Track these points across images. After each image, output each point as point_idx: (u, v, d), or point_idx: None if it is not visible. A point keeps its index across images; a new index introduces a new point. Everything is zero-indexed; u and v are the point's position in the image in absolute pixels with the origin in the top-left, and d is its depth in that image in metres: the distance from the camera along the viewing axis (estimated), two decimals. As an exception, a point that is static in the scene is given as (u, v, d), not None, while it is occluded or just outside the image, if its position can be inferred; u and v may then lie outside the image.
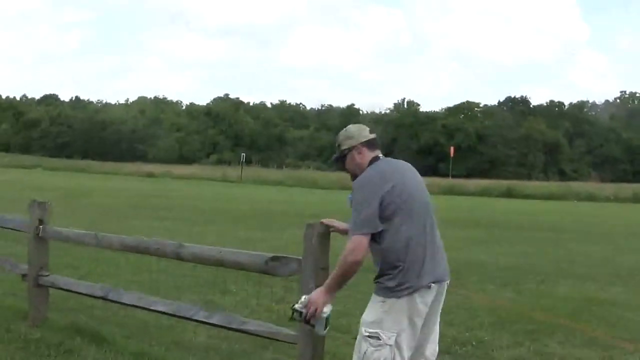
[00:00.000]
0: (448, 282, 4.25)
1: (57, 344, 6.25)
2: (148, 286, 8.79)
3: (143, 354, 5.99)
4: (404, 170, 4.28)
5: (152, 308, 6.09)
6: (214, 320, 5.45)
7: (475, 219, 24.89)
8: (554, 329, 7.59)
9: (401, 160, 4.40)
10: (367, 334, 4.04)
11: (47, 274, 7.09)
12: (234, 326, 5.27)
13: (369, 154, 4.32)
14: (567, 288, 10.45)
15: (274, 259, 4.90)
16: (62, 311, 7.51)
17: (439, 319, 4.30)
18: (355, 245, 3.99)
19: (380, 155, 4.33)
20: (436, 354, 4.34)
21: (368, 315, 4.10)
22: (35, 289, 7.05)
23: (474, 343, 6.93)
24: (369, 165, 4.26)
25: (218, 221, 19.78)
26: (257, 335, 5.18)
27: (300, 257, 4.68)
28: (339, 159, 4.42)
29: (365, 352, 4.04)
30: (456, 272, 11.47)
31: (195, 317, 5.60)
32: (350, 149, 4.35)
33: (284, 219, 21.13)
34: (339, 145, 4.41)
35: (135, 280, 9.01)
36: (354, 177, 4.31)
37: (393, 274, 4.03)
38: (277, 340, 5.03)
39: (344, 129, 4.47)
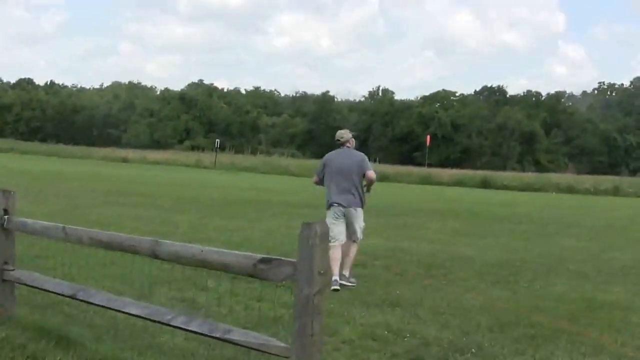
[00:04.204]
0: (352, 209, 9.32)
1: (22, 346, 5.64)
2: (121, 280, 8.23)
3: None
4: (337, 156, 9.55)
5: (124, 310, 5.46)
6: (194, 327, 4.80)
7: (455, 209, 24.46)
8: (557, 334, 7.05)
9: (343, 150, 9.59)
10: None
11: (12, 268, 6.44)
12: (216, 335, 4.62)
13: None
14: (562, 287, 9.92)
15: (263, 261, 4.27)
16: (30, 306, 6.97)
17: (355, 223, 9.35)
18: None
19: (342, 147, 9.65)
20: (356, 236, 9.45)
21: None
22: (0, 284, 6.44)
23: (473, 350, 6.36)
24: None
25: (192, 209, 19.18)
26: (243, 346, 4.55)
27: (295, 260, 4.11)
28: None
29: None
30: (443, 267, 11.09)
31: (173, 323, 4.95)
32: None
33: (259, 208, 20.69)
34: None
35: (107, 274, 8.38)
36: None
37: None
38: (267, 353, 4.42)
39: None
